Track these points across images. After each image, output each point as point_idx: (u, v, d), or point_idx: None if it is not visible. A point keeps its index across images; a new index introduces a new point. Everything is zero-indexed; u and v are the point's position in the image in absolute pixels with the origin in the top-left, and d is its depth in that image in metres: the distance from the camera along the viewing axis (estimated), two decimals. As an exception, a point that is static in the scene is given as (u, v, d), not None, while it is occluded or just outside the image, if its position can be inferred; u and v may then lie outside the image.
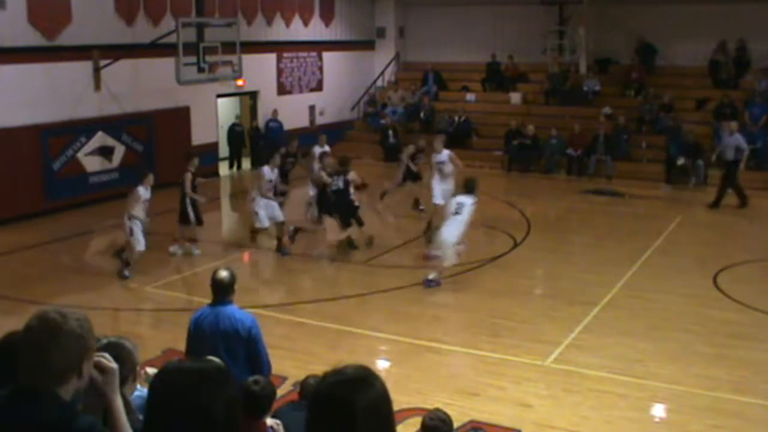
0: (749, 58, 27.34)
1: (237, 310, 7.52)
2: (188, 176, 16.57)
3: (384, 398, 2.90)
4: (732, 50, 27.49)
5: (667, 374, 10.58)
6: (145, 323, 12.58)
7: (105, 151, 21.30)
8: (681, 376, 10.51)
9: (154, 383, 3.01)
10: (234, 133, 26.25)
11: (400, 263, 15.91)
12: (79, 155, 20.64)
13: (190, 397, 2.88)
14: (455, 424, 7.55)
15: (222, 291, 7.54)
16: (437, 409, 6.62)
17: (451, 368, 10.93)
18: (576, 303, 13.20)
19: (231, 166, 26.49)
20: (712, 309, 13.33)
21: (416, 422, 6.58)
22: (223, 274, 7.55)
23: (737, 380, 10.43)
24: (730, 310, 13.27)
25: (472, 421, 9.09)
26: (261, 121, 26.97)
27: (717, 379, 10.46)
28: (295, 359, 10.79)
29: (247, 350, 7.32)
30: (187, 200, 16.57)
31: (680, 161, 23.98)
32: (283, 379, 9.80)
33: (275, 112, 26.74)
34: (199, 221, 16.89)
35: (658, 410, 9.94)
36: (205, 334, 7.48)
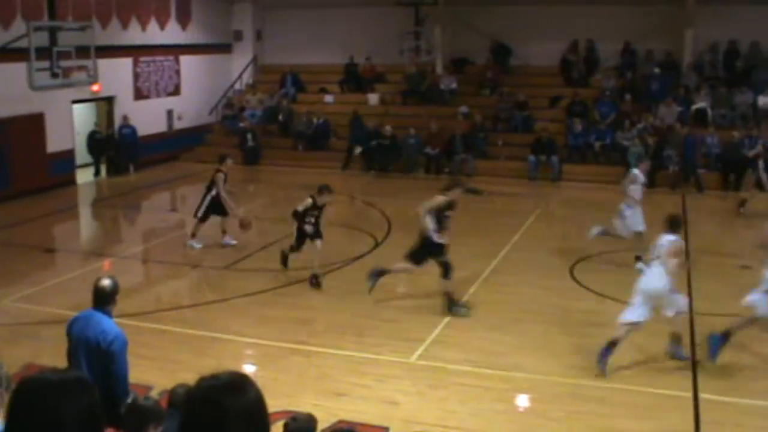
0: (597, 58, 28.38)
1: (106, 321, 7.37)
2: (221, 176, 16.80)
3: (257, 405, 2.93)
4: (582, 50, 28.46)
5: (530, 365, 10.89)
6: (2, 338, 12.17)
7: (-45, 160, 20.51)
8: (542, 366, 10.83)
9: (12, 394, 2.96)
10: (94, 140, 25.63)
11: (263, 266, 15.83)
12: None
13: (41, 407, 2.82)
14: (323, 425, 7.61)
15: (99, 299, 7.42)
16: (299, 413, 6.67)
17: (317, 369, 10.95)
18: (438, 299, 13.39)
19: (96, 174, 25.87)
20: (570, 300, 13.79)
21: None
22: (105, 282, 7.44)
23: (595, 366, 10.80)
24: (587, 300, 13.76)
25: (340, 421, 9.14)
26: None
27: (577, 367, 10.82)
28: (160, 368, 10.64)
29: (105, 364, 7.13)
30: (208, 198, 16.82)
31: (357, 151, 25.98)
32: (149, 388, 9.64)
33: (126, 117, 26.18)
34: (204, 218, 16.95)
35: (522, 400, 10.23)
36: (71, 338, 7.42)
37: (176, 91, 29.13)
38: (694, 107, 26.32)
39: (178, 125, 29.06)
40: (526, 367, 10.82)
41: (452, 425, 9.35)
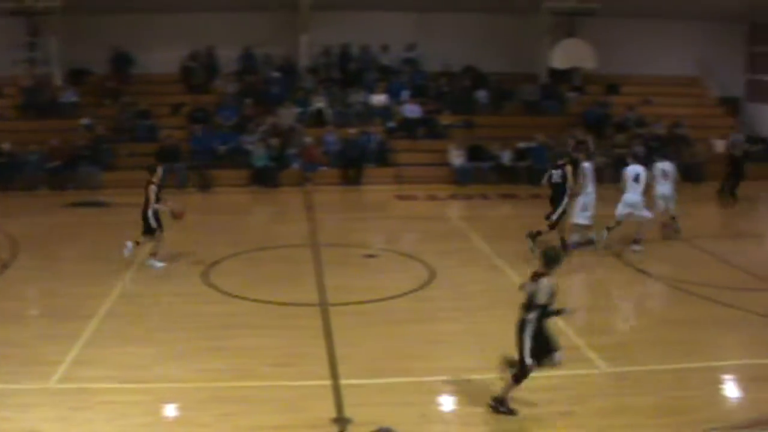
0: (217, 64, 28.81)
1: None
2: (153, 188, 16.33)
3: None
4: (202, 56, 28.76)
5: (172, 374, 10.93)
6: None
7: None
8: (185, 374, 10.91)
9: None
10: None
11: None
12: None
13: None
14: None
15: None
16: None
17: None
18: (74, 318, 13.05)
19: None
20: (205, 304, 14.01)
21: None
22: None
23: (237, 368, 11.11)
24: (221, 303, 14.07)
25: (-20, 458, 8.72)
26: None
27: (218, 370, 11.03)
28: None
29: None
30: (150, 212, 16.24)
31: None
32: None
33: None
34: (159, 232, 16.49)
35: (169, 410, 10.22)
36: None
37: None
38: (312, 108, 27.55)
39: None
40: (170, 377, 10.85)
41: (100, 446, 9.22)
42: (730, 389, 11.07)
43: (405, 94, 28.62)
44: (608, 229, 17.59)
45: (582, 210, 17.42)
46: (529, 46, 30.08)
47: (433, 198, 24.34)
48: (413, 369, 11.24)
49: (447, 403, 10.55)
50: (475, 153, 26.71)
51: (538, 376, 10.25)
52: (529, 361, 9.54)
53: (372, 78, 29.09)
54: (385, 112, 28.13)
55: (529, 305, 9.52)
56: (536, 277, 9.56)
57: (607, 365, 11.27)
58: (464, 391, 10.62)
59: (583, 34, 29.30)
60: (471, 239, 18.98)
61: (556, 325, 12.66)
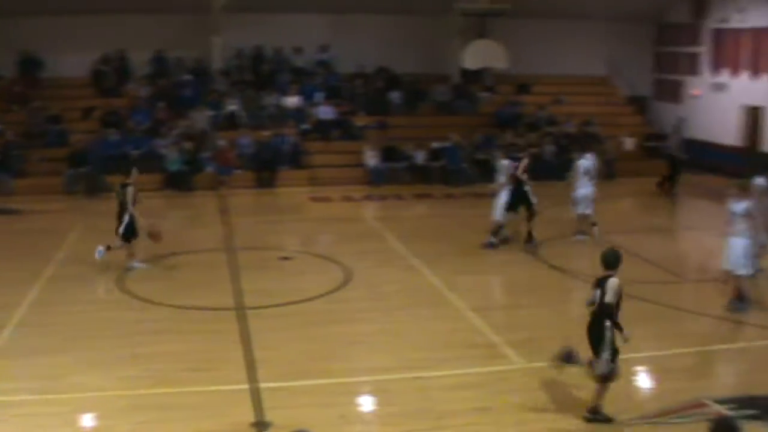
0: (129, 67, 28.45)
1: None
2: (130, 190, 16.11)
3: None
4: (114, 60, 28.37)
5: (89, 383, 10.77)
6: None
7: None
8: (102, 382, 10.77)
9: None
10: None
11: None
12: None
13: None
14: None
15: None
16: None
17: None
18: None
19: None
20: (121, 311, 13.90)
21: None
22: None
23: (154, 374, 11.03)
24: (137, 310, 13.97)
25: None
26: None
27: (135, 377, 10.93)
28: None
29: None
30: (126, 215, 15.99)
31: None
32: None
33: None
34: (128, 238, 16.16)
35: (87, 420, 10.07)
36: None
37: None
38: (225, 110, 27.42)
39: None
40: (87, 386, 10.69)
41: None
42: (643, 380, 11.42)
43: (319, 96, 28.67)
44: (593, 225, 18.60)
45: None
46: (441, 47, 30.40)
47: (348, 199, 24.44)
48: (332, 370, 11.32)
49: (366, 403, 10.66)
50: (389, 154, 26.87)
51: (453, 374, 10.41)
52: (607, 356, 9.57)
53: (285, 80, 29.07)
54: (298, 114, 28.13)
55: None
56: (601, 281, 9.82)
57: (524, 361, 11.50)
58: (383, 391, 10.72)
59: (494, 34, 29.72)
60: (386, 239, 19.12)
61: (470, 323, 12.96)
